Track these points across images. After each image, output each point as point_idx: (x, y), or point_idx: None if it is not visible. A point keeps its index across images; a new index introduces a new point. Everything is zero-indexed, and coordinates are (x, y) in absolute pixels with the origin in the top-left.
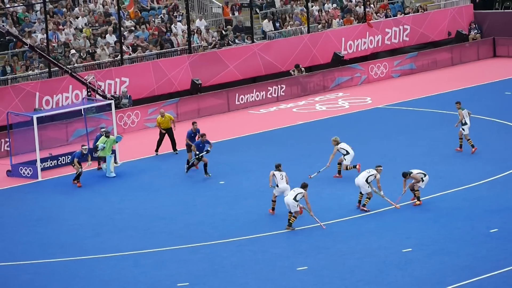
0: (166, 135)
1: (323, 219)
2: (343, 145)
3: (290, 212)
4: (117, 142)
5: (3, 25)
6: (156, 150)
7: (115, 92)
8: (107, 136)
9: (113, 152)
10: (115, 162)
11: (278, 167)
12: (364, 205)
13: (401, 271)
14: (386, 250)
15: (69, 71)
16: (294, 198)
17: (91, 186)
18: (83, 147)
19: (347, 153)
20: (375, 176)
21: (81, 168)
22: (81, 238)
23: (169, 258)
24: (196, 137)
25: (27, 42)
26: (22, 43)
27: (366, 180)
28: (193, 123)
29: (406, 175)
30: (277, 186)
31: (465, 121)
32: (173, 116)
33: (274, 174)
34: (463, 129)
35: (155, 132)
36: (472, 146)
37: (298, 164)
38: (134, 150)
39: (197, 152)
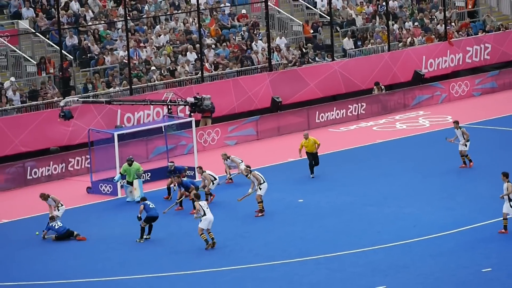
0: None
1: (401, 238)
2: (257, 173)
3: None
4: (137, 176)
5: (77, 100)
6: (312, 173)
7: (197, 93)
8: (130, 165)
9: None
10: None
11: (198, 198)
12: None
13: None
14: (465, 270)
15: (148, 102)
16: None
17: (169, 204)
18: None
19: (264, 181)
20: None
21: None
22: (159, 255)
23: (248, 276)
24: None
25: (102, 101)
26: (97, 103)
27: None
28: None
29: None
30: (204, 215)
31: (468, 138)
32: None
33: (200, 206)
34: (465, 145)
35: (234, 150)
36: (470, 161)
37: (377, 183)
38: (214, 167)
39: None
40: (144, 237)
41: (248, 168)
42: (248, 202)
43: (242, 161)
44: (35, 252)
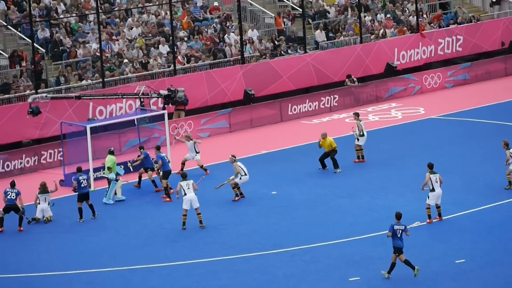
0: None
1: (374, 229)
2: (240, 164)
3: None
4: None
5: (45, 96)
6: (336, 168)
7: (171, 85)
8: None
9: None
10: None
11: (185, 177)
12: None
13: (454, 282)
14: (439, 261)
15: (119, 96)
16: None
17: (143, 196)
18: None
19: (245, 174)
20: None
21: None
22: (133, 247)
23: (222, 268)
24: None
25: (72, 96)
26: (67, 98)
27: None
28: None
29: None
30: (185, 195)
31: (363, 132)
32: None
33: (181, 185)
34: (358, 140)
35: (208, 142)
36: (362, 157)
37: (350, 174)
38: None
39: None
40: (82, 219)
41: (233, 157)
42: (221, 194)
43: (198, 153)
44: (7, 244)
